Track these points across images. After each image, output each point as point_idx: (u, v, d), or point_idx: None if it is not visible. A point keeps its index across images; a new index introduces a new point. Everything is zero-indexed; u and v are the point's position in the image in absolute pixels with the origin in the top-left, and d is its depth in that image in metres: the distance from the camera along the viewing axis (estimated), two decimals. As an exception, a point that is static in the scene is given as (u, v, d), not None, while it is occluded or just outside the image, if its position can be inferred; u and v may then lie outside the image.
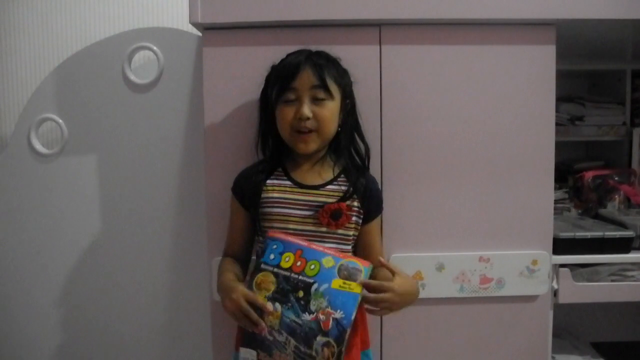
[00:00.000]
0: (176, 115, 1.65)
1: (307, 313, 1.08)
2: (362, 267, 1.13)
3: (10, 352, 1.72)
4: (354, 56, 1.36)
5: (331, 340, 1.07)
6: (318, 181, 1.25)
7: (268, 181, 1.25)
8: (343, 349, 1.07)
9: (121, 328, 1.71)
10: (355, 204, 1.24)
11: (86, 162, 1.68)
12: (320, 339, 1.07)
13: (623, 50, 1.83)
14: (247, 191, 1.25)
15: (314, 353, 1.07)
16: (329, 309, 1.08)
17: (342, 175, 1.26)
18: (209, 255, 1.42)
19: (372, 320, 1.40)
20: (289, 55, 1.26)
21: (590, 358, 1.76)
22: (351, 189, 1.24)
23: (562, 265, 1.48)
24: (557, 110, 1.46)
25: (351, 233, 1.25)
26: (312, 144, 1.22)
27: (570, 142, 1.95)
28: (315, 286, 1.09)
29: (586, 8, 1.35)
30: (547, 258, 1.43)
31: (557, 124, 1.46)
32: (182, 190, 1.67)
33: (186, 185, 1.66)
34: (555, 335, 1.54)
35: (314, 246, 1.14)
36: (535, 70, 1.41)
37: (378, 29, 1.39)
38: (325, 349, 1.07)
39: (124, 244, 1.69)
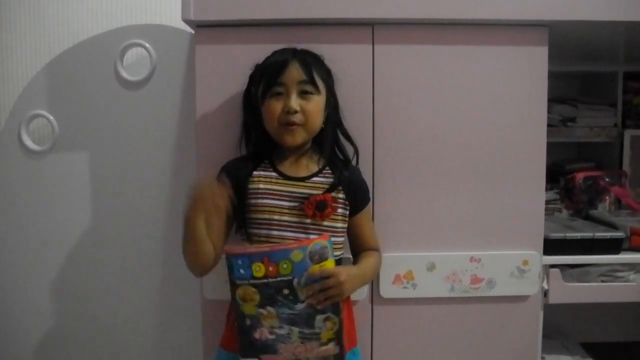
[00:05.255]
0: (168, 112, 1.65)
1: (299, 303, 1.14)
2: (326, 242, 1.16)
3: (2, 348, 1.71)
4: (346, 55, 1.36)
5: (330, 315, 1.15)
6: (303, 173, 1.26)
7: (254, 172, 1.26)
8: (342, 317, 1.15)
9: (112, 324, 1.70)
10: (341, 195, 1.25)
11: (77, 158, 1.67)
12: (319, 317, 1.14)
13: (615, 52, 1.84)
14: (234, 179, 1.24)
15: (317, 330, 1.14)
16: None
17: (327, 168, 1.28)
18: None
19: (361, 320, 1.40)
20: (274, 53, 1.26)
21: (580, 358, 1.76)
22: (336, 180, 1.25)
23: (553, 266, 1.48)
24: (549, 112, 1.46)
25: (339, 225, 1.26)
26: (299, 137, 1.23)
27: (562, 143, 1.96)
28: (295, 281, 1.13)
29: (579, 10, 1.36)
30: (537, 258, 1.44)
31: (549, 125, 1.47)
32: (173, 187, 1.66)
33: (177, 182, 1.66)
34: (545, 335, 1.55)
35: (276, 247, 1.15)
36: (528, 71, 1.42)
37: (371, 28, 1.39)
38: (328, 322, 1.15)
39: (115, 241, 1.68)
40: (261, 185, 1.24)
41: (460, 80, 1.41)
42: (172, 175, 1.66)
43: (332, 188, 1.24)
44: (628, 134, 1.91)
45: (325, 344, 1.15)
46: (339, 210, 1.25)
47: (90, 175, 1.67)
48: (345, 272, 1.16)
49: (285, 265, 1.13)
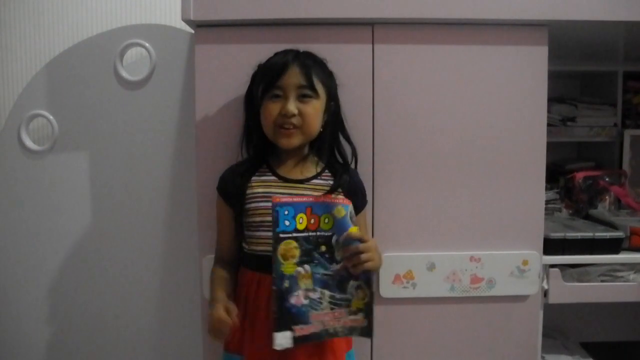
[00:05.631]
0: (168, 112, 1.65)
1: (334, 264, 1.13)
2: (352, 207, 1.17)
3: (0, 348, 1.71)
4: (346, 55, 1.36)
5: (362, 284, 1.15)
6: (303, 176, 1.27)
7: (253, 178, 1.26)
8: (372, 290, 1.15)
9: (112, 324, 1.70)
10: (340, 197, 1.25)
11: (77, 158, 1.67)
12: (352, 282, 1.14)
13: (615, 52, 1.84)
14: (232, 188, 1.26)
15: (349, 296, 1.14)
16: None
17: (326, 171, 1.28)
18: (200, 252, 1.41)
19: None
20: (276, 54, 1.26)
21: (580, 358, 1.76)
22: (336, 183, 1.25)
23: (553, 266, 1.48)
24: (549, 111, 1.46)
25: None
26: (295, 140, 1.23)
27: (561, 143, 1.96)
28: (334, 238, 1.14)
29: (578, 9, 1.36)
30: (537, 258, 1.44)
31: (548, 125, 1.47)
32: (173, 187, 1.66)
33: (177, 183, 1.66)
34: (545, 335, 1.55)
35: (320, 199, 1.16)
36: (528, 71, 1.41)
37: (371, 28, 1.38)
38: (360, 291, 1.15)
39: (115, 241, 1.68)
40: (260, 190, 1.24)
41: (460, 80, 1.41)
42: (172, 174, 1.66)
43: (332, 190, 1.24)
44: (628, 134, 1.91)
45: (355, 313, 1.14)
46: None
47: (90, 175, 1.67)
48: (375, 243, 1.19)
49: (327, 220, 1.14)
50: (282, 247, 1.12)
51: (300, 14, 1.33)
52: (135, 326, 1.70)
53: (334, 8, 1.33)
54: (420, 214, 1.42)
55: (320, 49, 1.30)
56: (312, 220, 1.13)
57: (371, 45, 1.39)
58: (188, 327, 1.67)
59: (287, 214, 1.13)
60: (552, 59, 1.41)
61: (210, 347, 1.40)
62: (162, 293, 1.69)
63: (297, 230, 1.12)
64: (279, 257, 1.12)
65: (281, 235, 1.12)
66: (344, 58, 1.34)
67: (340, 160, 1.32)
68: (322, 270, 1.13)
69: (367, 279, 1.15)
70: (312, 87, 1.21)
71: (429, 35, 1.39)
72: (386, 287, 1.42)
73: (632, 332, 1.99)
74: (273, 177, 1.26)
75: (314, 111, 1.23)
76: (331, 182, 1.26)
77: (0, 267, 1.68)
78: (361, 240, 1.15)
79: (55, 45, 1.93)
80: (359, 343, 1.35)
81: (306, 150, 1.30)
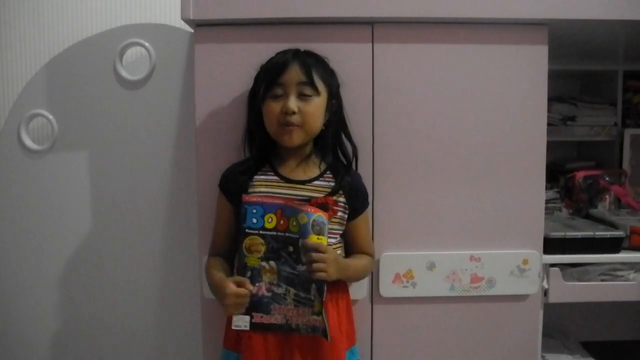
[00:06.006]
0: (167, 111, 1.64)
1: (300, 264, 1.18)
2: (326, 220, 1.20)
3: (1, 348, 1.71)
4: (346, 54, 1.36)
5: (319, 288, 1.19)
6: (304, 177, 1.27)
7: (255, 177, 1.26)
8: (324, 301, 1.18)
9: (112, 323, 1.70)
10: (342, 199, 1.26)
11: (77, 158, 1.67)
12: (314, 285, 1.18)
13: (615, 51, 1.83)
14: (235, 187, 1.26)
15: (312, 297, 1.18)
16: None
17: (328, 172, 1.28)
18: (199, 252, 1.41)
19: (361, 319, 1.40)
20: (277, 53, 1.27)
21: (580, 357, 1.77)
22: (337, 184, 1.26)
23: (553, 265, 1.49)
24: (549, 111, 1.46)
25: (336, 227, 1.27)
26: (297, 137, 1.23)
27: (561, 142, 1.96)
28: (300, 241, 1.17)
29: (578, 8, 1.36)
30: (537, 257, 1.44)
31: (549, 124, 1.47)
32: (173, 186, 1.66)
33: (177, 182, 1.66)
34: (545, 334, 1.55)
35: (290, 203, 1.20)
36: (528, 70, 1.41)
37: (370, 27, 1.38)
38: (318, 295, 1.19)
39: (115, 241, 1.68)
40: (262, 189, 1.25)
41: (460, 79, 1.41)
42: (171, 174, 1.66)
43: (333, 192, 1.25)
44: (628, 133, 1.91)
45: (317, 314, 1.18)
46: (339, 214, 1.26)
47: (90, 174, 1.67)
48: (334, 256, 1.20)
49: (294, 223, 1.17)
50: (247, 241, 1.18)
51: (300, 13, 1.33)
52: (135, 325, 1.70)
53: (334, 7, 1.33)
54: (420, 213, 1.42)
55: (320, 48, 1.30)
56: (282, 222, 1.18)
57: (371, 45, 1.39)
58: (188, 326, 1.67)
59: (255, 212, 1.18)
60: (552, 58, 1.41)
61: (210, 345, 1.41)
62: (162, 292, 1.69)
63: (264, 229, 1.18)
64: (244, 250, 1.18)
65: (247, 231, 1.18)
66: (343, 57, 1.34)
67: (343, 160, 1.33)
68: (288, 269, 1.18)
69: (319, 287, 1.18)
70: (313, 84, 1.22)
71: (429, 34, 1.39)
72: (386, 287, 1.42)
73: (633, 331, 1.99)
74: (275, 177, 1.26)
75: (315, 109, 1.23)
76: (332, 184, 1.26)
77: None
78: (318, 250, 1.16)
79: (55, 45, 1.93)
80: (359, 343, 1.35)
81: (308, 149, 1.30)
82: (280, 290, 1.18)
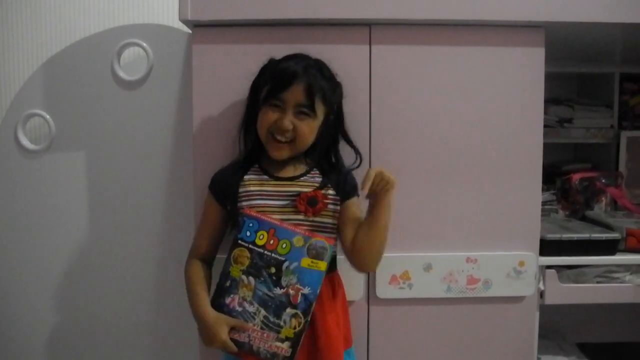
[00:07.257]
0: (165, 112, 1.65)
1: (278, 287, 1.18)
2: (328, 245, 1.20)
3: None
4: (343, 56, 1.36)
5: (299, 312, 1.18)
6: (293, 174, 1.28)
7: (245, 177, 1.27)
8: (308, 319, 1.18)
9: (109, 322, 1.70)
10: (331, 192, 1.27)
11: (74, 158, 1.67)
12: (289, 310, 1.18)
13: (612, 54, 1.84)
14: (225, 188, 1.27)
15: (282, 323, 1.18)
16: (298, 285, 1.18)
17: (315, 169, 1.30)
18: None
19: (358, 320, 1.40)
20: (289, 58, 1.25)
21: (576, 359, 1.77)
22: (325, 179, 1.27)
23: (549, 267, 1.49)
24: (545, 112, 1.47)
25: (330, 221, 1.26)
26: (285, 153, 1.25)
27: (558, 144, 1.96)
28: (286, 264, 1.18)
29: (575, 11, 1.36)
30: (533, 259, 1.44)
31: (545, 126, 1.47)
32: (170, 187, 1.66)
33: (174, 182, 1.66)
34: (541, 336, 1.55)
35: (285, 225, 1.20)
36: (525, 72, 1.42)
37: (368, 29, 1.39)
38: (293, 320, 1.18)
39: (112, 241, 1.68)
40: (252, 188, 1.26)
41: (457, 81, 1.41)
42: (169, 174, 1.66)
43: (322, 185, 1.26)
44: (624, 135, 1.91)
45: (282, 340, 1.18)
46: (330, 207, 1.26)
47: (87, 174, 1.67)
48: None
49: (284, 245, 1.19)
50: (236, 251, 1.20)
51: (297, 15, 1.33)
52: (134, 326, 1.70)
53: (331, 9, 1.33)
54: (417, 214, 1.43)
55: (317, 50, 1.30)
56: (272, 241, 1.19)
57: (368, 46, 1.39)
58: (186, 326, 1.66)
59: (252, 227, 1.20)
60: (549, 60, 1.42)
61: (208, 348, 1.40)
62: (159, 291, 1.69)
63: (254, 244, 1.19)
64: (231, 259, 1.20)
65: (238, 242, 1.20)
66: (341, 58, 1.34)
67: (333, 161, 1.33)
68: (265, 289, 1.18)
69: (306, 308, 1.18)
70: (312, 107, 1.22)
71: (426, 36, 1.39)
72: (383, 288, 1.42)
73: (628, 333, 2.00)
74: (265, 176, 1.28)
75: (309, 129, 1.24)
76: (320, 179, 1.28)
77: (-4, 267, 1.68)
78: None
79: (53, 45, 1.93)
80: (355, 344, 1.35)
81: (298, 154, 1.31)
82: (251, 309, 1.18)
